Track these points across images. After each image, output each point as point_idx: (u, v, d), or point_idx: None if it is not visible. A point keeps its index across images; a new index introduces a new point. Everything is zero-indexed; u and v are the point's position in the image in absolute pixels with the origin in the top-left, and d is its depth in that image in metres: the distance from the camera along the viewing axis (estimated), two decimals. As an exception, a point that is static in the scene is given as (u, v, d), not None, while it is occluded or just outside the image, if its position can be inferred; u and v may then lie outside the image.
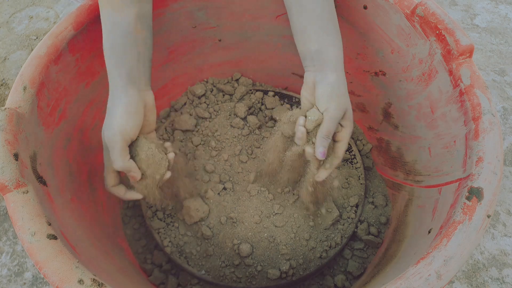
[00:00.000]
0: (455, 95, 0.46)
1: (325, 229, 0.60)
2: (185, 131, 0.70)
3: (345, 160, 0.68)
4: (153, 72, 0.67)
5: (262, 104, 0.75)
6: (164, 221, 0.61)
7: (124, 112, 0.43)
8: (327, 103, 0.46)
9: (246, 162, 0.66)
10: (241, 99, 0.75)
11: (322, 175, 0.49)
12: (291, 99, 0.76)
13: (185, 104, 0.74)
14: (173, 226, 0.61)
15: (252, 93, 0.76)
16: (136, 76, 0.46)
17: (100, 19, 0.46)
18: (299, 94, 0.76)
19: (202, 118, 0.71)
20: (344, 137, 0.48)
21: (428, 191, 0.53)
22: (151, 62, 0.49)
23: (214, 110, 0.72)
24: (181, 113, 0.72)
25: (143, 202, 0.63)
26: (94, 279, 0.32)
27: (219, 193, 0.63)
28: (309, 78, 0.48)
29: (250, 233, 0.60)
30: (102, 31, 0.46)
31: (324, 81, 0.46)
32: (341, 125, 0.48)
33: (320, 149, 0.45)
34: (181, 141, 0.69)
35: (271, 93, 0.75)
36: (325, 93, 0.46)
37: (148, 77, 0.48)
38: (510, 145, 0.81)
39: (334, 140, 0.48)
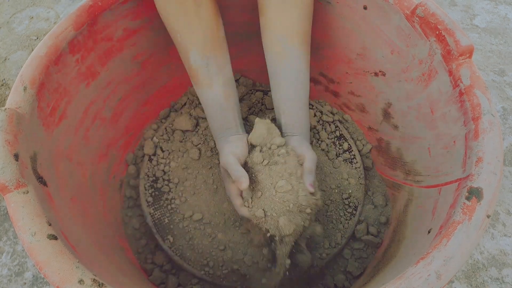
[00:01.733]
0: (455, 96, 0.46)
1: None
2: (185, 131, 0.70)
3: (344, 160, 0.68)
4: (153, 72, 0.67)
5: (262, 104, 0.75)
6: (164, 221, 0.61)
7: (233, 145, 0.53)
8: (301, 151, 0.53)
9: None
10: (241, 99, 0.75)
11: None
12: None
13: (185, 104, 0.74)
14: (173, 225, 0.61)
15: (252, 93, 0.76)
16: (235, 130, 0.56)
17: (100, 20, 0.47)
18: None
19: (202, 118, 0.71)
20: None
21: (427, 191, 0.53)
22: (239, 110, 0.59)
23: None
24: (181, 113, 0.72)
25: (143, 202, 0.63)
26: (94, 279, 0.32)
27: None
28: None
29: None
30: (201, 104, 0.58)
31: (294, 137, 0.55)
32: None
33: (308, 183, 0.50)
34: (181, 141, 0.69)
35: (271, 93, 0.75)
36: (299, 142, 0.54)
37: (242, 124, 0.58)
38: (509, 145, 0.82)
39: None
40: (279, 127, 0.57)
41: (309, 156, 0.52)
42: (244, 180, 0.48)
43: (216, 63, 0.54)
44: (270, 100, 0.75)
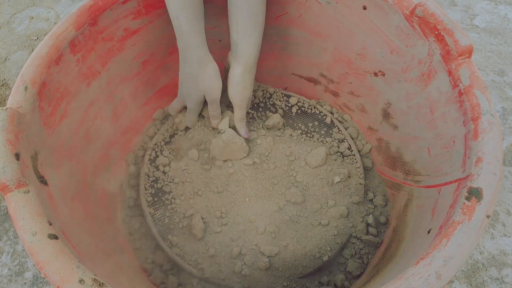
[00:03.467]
0: (454, 96, 0.46)
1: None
2: (186, 129, 0.70)
3: (344, 156, 0.69)
4: (153, 73, 0.68)
5: (264, 105, 0.75)
6: (164, 220, 0.62)
7: (218, 76, 0.59)
8: (231, 92, 0.60)
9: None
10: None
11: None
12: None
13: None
14: (173, 224, 0.61)
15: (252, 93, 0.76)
16: (204, 51, 0.58)
17: (100, 19, 0.47)
18: (299, 94, 0.77)
19: (203, 118, 0.71)
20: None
21: (427, 191, 0.53)
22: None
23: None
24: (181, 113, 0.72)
25: (143, 202, 0.63)
26: (95, 279, 0.32)
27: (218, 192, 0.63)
28: (228, 59, 0.61)
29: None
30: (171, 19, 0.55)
31: (233, 71, 0.59)
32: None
33: (241, 131, 0.63)
34: (181, 142, 0.69)
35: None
36: (231, 81, 0.60)
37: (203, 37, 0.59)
38: (509, 145, 0.82)
39: None
40: (231, 44, 0.59)
41: (238, 102, 0.60)
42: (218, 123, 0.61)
43: None
44: (272, 100, 0.75)
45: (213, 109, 0.62)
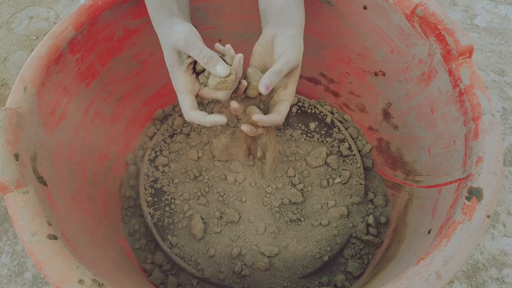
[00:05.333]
0: (454, 95, 0.46)
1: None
2: (186, 133, 0.70)
3: (345, 156, 0.68)
4: (153, 72, 0.67)
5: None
6: (165, 221, 0.61)
7: (189, 26, 0.43)
8: (284, 47, 0.44)
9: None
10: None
11: (258, 117, 0.44)
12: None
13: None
14: (173, 224, 0.61)
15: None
16: (177, 13, 0.45)
17: (100, 19, 0.46)
18: (299, 94, 0.76)
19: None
20: (288, 96, 0.46)
21: (428, 191, 0.53)
22: None
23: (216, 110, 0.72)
24: (180, 114, 0.72)
25: (143, 202, 0.63)
26: (94, 279, 0.32)
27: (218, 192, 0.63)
28: (269, 32, 0.47)
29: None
30: None
31: (286, 33, 0.46)
32: (285, 86, 0.46)
33: (265, 81, 0.42)
34: (181, 142, 0.69)
35: None
36: (285, 41, 0.45)
37: (187, 9, 0.49)
38: (510, 145, 0.82)
39: (278, 99, 0.47)
40: (268, 16, 0.48)
41: (287, 56, 0.44)
42: (221, 63, 0.40)
43: None
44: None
45: (197, 52, 0.41)
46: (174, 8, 0.45)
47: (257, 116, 0.44)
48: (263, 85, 0.42)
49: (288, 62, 0.43)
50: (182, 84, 0.43)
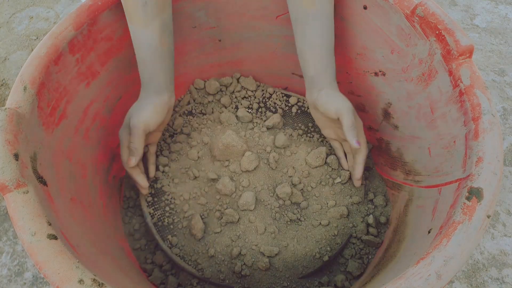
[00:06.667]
0: (455, 95, 0.46)
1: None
2: (186, 133, 0.70)
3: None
4: (153, 72, 0.67)
5: (264, 105, 0.75)
6: (165, 221, 0.61)
7: (153, 111, 0.54)
8: (334, 104, 0.55)
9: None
10: (243, 98, 0.75)
11: (358, 171, 0.61)
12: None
13: (188, 103, 0.74)
14: (173, 225, 0.61)
15: (253, 94, 0.76)
16: (164, 87, 0.55)
17: (100, 19, 0.47)
18: (299, 94, 0.76)
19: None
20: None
21: (428, 191, 0.53)
22: (173, 65, 0.57)
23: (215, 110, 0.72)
24: (182, 113, 0.72)
25: (143, 202, 0.63)
26: (94, 279, 0.32)
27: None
28: (309, 99, 0.60)
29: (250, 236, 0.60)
30: (133, 45, 0.53)
31: (323, 91, 0.57)
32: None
33: (353, 141, 0.54)
34: (181, 142, 0.69)
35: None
36: (327, 97, 0.56)
37: (173, 82, 0.58)
38: (510, 145, 0.82)
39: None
40: (306, 81, 0.59)
41: (344, 109, 0.53)
42: (133, 161, 0.53)
43: (156, 3, 0.50)
44: (272, 100, 0.75)
45: (133, 140, 0.54)
46: (160, 78, 0.55)
47: (359, 175, 0.62)
48: (355, 144, 0.54)
49: (348, 113, 0.54)
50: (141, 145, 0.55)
